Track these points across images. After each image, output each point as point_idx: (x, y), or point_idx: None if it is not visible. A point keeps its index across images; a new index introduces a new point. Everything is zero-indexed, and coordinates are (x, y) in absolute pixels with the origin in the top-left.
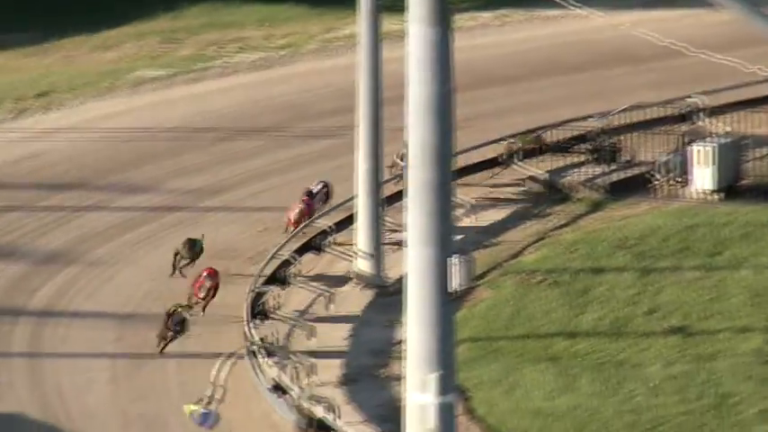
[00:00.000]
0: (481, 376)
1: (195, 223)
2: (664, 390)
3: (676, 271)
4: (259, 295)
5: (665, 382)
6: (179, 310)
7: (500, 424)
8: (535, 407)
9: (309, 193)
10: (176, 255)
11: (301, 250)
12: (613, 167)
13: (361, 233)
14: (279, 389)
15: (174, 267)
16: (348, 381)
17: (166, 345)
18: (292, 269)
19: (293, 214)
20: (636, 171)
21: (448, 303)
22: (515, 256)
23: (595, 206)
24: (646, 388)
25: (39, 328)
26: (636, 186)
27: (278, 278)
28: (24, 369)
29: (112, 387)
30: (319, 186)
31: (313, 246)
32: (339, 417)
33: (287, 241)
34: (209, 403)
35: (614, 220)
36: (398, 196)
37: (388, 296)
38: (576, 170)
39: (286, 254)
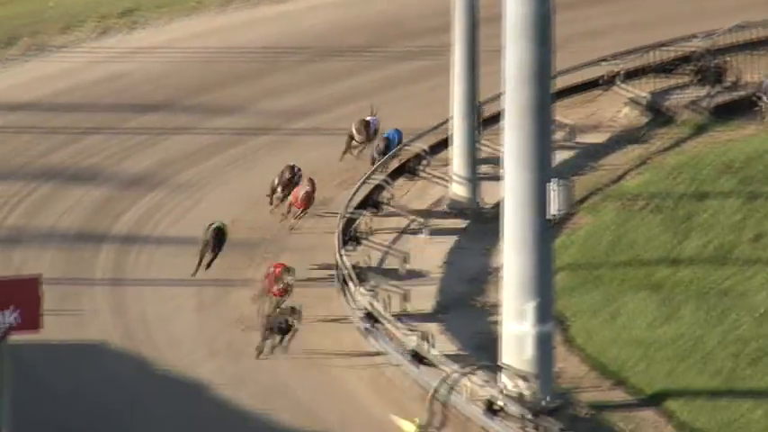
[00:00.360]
0: (580, 305)
1: (284, 145)
2: None
3: None
4: (350, 221)
5: None
6: (279, 312)
7: (599, 354)
8: (636, 336)
9: (292, 171)
10: (205, 245)
11: (394, 175)
12: (718, 89)
13: (456, 157)
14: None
15: (200, 261)
16: (442, 309)
17: (272, 349)
18: (385, 194)
19: (301, 195)
20: (741, 93)
21: (546, 229)
22: (617, 180)
23: (699, 129)
24: (751, 317)
25: (123, 255)
26: (741, 109)
27: (370, 203)
28: (108, 296)
29: (198, 315)
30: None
31: (407, 170)
32: (433, 346)
33: (379, 165)
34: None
35: (719, 143)
36: (496, 119)
37: (485, 223)
38: (679, 92)
39: (378, 178)
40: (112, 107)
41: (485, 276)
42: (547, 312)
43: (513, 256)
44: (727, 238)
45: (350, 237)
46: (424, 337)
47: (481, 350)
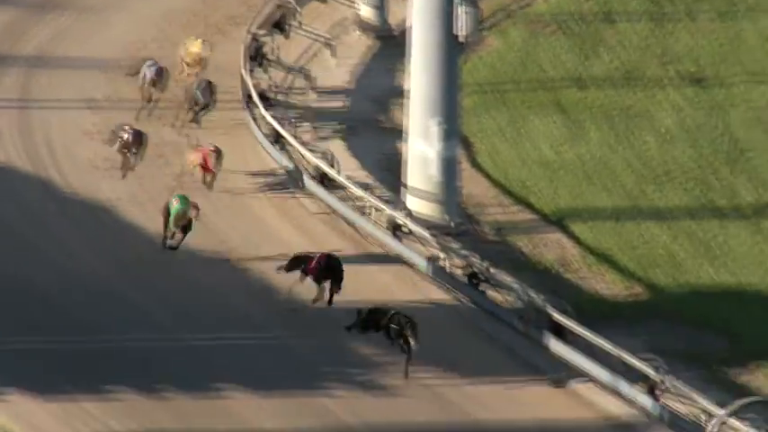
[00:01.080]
0: (486, 126)
1: None
2: (675, 139)
3: (692, 18)
4: (257, 42)
5: (677, 132)
6: (395, 322)
7: (505, 175)
8: (542, 157)
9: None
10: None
11: None
12: None
13: None
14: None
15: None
16: (348, 130)
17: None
18: (292, 18)
19: (210, 162)
20: None
21: (453, 50)
22: (525, 2)
23: None
24: (657, 138)
25: (28, 77)
26: None
27: (277, 25)
28: (14, 119)
29: (101, 140)
30: (131, 132)
31: None
32: (339, 169)
33: None
34: None
35: None
36: None
37: (393, 46)
38: None
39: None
40: None
41: (391, 97)
42: (452, 133)
43: (419, 76)
44: (635, 59)
45: (254, 56)
46: (326, 157)
47: (386, 171)
